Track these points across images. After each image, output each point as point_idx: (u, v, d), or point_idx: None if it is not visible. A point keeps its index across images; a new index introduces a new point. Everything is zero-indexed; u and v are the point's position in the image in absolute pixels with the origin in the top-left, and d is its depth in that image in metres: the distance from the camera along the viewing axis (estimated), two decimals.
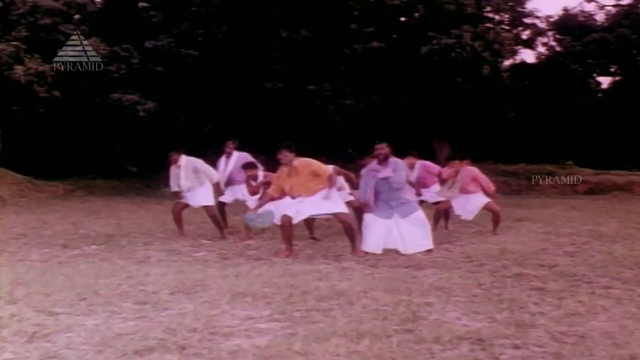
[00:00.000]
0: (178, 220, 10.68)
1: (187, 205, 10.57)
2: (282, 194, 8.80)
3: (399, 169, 8.89)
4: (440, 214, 11.24)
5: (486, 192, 10.92)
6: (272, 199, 8.74)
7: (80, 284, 6.32)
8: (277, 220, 8.61)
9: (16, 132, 22.04)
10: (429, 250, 8.55)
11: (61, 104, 21.65)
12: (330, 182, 8.44)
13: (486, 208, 10.80)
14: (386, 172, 8.81)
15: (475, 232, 10.97)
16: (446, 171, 11.02)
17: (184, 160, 10.47)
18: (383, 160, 8.88)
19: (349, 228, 8.56)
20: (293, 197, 8.56)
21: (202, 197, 10.49)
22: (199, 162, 10.58)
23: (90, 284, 6.28)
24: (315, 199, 8.37)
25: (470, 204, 10.87)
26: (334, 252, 8.70)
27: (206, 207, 10.52)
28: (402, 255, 8.32)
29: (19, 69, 19.63)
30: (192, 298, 5.74)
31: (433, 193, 11.45)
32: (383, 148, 8.90)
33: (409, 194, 10.06)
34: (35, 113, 21.50)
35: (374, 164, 9.11)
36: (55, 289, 6.06)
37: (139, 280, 6.51)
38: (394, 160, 8.94)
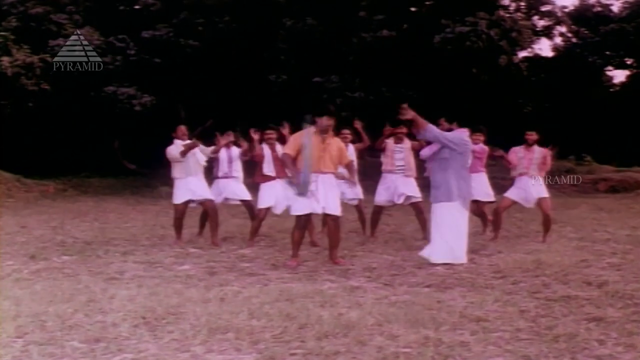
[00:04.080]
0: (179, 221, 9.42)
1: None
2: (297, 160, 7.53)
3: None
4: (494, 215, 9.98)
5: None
6: (291, 158, 7.51)
7: (27, 311, 5.12)
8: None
9: (4, 128, 20.89)
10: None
11: (52, 98, 20.70)
12: (348, 166, 7.94)
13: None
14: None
15: (500, 238, 9.70)
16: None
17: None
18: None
19: (333, 234, 7.62)
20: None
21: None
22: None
23: (39, 312, 5.07)
24: (324, 192, 7.38)
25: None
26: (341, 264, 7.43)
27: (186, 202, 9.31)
28: (420, 269, 7.08)
29: (5, 61, 18.59)
30: (159, 334, 4.53)
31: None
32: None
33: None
34: (24, 107, 20.52)
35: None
36: None
37: (100, 307, 5.29)
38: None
